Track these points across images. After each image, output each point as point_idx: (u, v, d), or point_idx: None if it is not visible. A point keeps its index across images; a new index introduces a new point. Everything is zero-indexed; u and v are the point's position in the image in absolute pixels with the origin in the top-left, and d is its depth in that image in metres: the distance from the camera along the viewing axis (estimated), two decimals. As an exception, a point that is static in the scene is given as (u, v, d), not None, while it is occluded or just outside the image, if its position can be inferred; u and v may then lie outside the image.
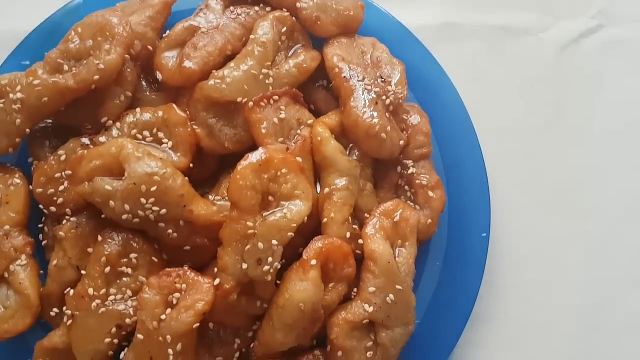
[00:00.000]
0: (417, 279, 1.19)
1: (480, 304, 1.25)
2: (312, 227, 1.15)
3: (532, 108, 1.42)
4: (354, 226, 1.15)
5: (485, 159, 1.27)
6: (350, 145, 1.19)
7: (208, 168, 1.22)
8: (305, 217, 1.07)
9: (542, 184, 1.36)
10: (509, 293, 1.29)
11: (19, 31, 1.29)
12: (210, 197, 1.16)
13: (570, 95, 1.44)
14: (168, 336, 0.99)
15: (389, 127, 1.15)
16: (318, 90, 1.26)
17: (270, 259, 1.04)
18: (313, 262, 1.05)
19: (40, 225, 1.17)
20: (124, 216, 1.04)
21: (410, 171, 1.22)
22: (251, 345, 1.12)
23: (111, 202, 1.03)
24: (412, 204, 1.21)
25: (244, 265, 1.03)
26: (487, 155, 1.28)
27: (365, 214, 1.16)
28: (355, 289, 1.12)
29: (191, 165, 1.14)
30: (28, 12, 1.35)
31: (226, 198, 1.15)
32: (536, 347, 1.27)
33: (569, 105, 1.43)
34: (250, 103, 1.13)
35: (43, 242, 1.16)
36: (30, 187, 1.14)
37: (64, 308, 1.06)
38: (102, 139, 1.10)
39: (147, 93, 1.20)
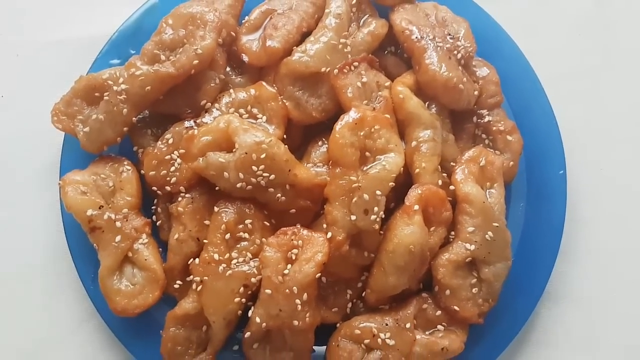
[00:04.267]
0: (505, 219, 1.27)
1: (567, 238, 1.31)
2: (400, 181, 1.22)
3: (583, 52, 1.50)
4: (443, 174, 1.23)
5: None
6: (427, 102, 1.26)
7: (294, 139, 1.30)
8: (402, 168, 1.15)
9: (605, 119, 1.44)
10: (593, 225, 1.37)
11: (100, 36, 1.38)
12: (303, 165, 1.24)
13: (616, 35, 1.51)
14: (294, 287, 1.07)
15: (464, 79, 1.23)
16: (387, 56, 1.34)
17: (376, 208, 1.12)
18: (416, 207, 1.12)
19: (152, 208, 1.26)
20: (239, 185, 1.12)
21: (486, 119, 1.29)
22: (362, 294, 1.20)
23: (225, 174, 1.12)
24: (491, 150, 1.28)
25: (353, 217, 1.11)
26: (550, 99, 1.35)
27: (451, 163, 1.24)
28: (452, 233, 1.20)
29: (285, 136, 1.22)
30: (105, 18, 1.44)
31: (317, 165, 1.24)
32: (625, 273, 1.34)
33: (616, 45, 1.50)
34: (335, 70, 1.21)
35: (157, 223, 1.24)
36: (140, 172, 1.23)
37: (190, 277, 1.15)
38: (205, 119, 1.19)
39: (234, 77, 1.29)
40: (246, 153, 1.11)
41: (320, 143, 1.26)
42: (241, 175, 1.11)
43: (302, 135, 1.31)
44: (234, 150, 1.12)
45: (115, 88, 1.19)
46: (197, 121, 1.20)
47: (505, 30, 1.40)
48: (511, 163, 1.27)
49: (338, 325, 1.18)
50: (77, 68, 1.34)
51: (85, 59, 1.37)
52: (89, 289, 1.24)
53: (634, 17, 1.53)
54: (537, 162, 1.32)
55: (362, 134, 1.14)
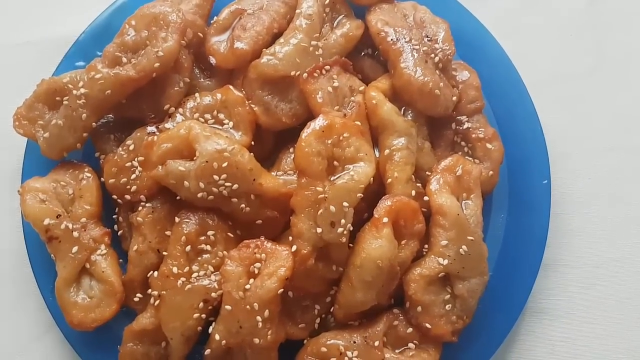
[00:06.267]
0: (484, 231, 1.19)
1: (550, 251, 1.26)
2: (374, 191, 1.17)
3: (574, 55, 1.43)
4: (418, 184, 1.17)
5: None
6: (403, 107, 1.20)
7: (265, 146, 1.25)
8: (371, 178, 1.09)
9: (593, 127, 1.37)
10: (578, 237, 1.30)
11: (69, 36, 1.33)
12: (272, 173, 1.19)
13: (609, 38, 1.44)
14: (255, 304, 1.02)
15: (441, 84, 1.17)
16: (364, 59, 1.28)
17: (343, 220, 1.06)
18: (385, 220, 1.07)
19: (114, 217, 1.21)
20: (200, 194, 1.07)
21: (465, 126, 1.23)
22: (331, 310, 1.14)
23: (186, 183, 1.07)
24: (470, 158, 1.22)
25: (319, 230, 1.06)
26: (535, 105, 1.29)
27: (427, 172, 1.18)
28: (426, 246, 1.14)
29: (252, 143, 1.17)
30: (75, 17, 1.39)
31: (288, 173, 1.18)
32: (611, 286, 1.28)
33: (609, 48, 1.43)
34: (305, 74, 1.15)
35: (119, 233, 1.20)
36: (101, 179, 1.18)
37: (149, 291, 1.10)
38: (168, 125, 1.14)
39: (202, 80, 1.24)
40: (207, 161, 1.06)
41: (291, 150, 1.21)
42: (202, 185, 1.06)
43: (274, 142, 1.26)
44: (194, 158, 1.07)
45: (74, 92, 1.14)
46: (160, 126, 1.15)
47: (491, 31, 1.34)
48: (491, 172, 1.20)
49: (305, 341, 1.13)
50: (44, 70, 1.30)
51: (53, 61, 1.32)
52: (47, 300, 1.19)
53: (629, 16, 1.45)
54: (520, 171, 1.26)
55: (329, 142, 1.08)
